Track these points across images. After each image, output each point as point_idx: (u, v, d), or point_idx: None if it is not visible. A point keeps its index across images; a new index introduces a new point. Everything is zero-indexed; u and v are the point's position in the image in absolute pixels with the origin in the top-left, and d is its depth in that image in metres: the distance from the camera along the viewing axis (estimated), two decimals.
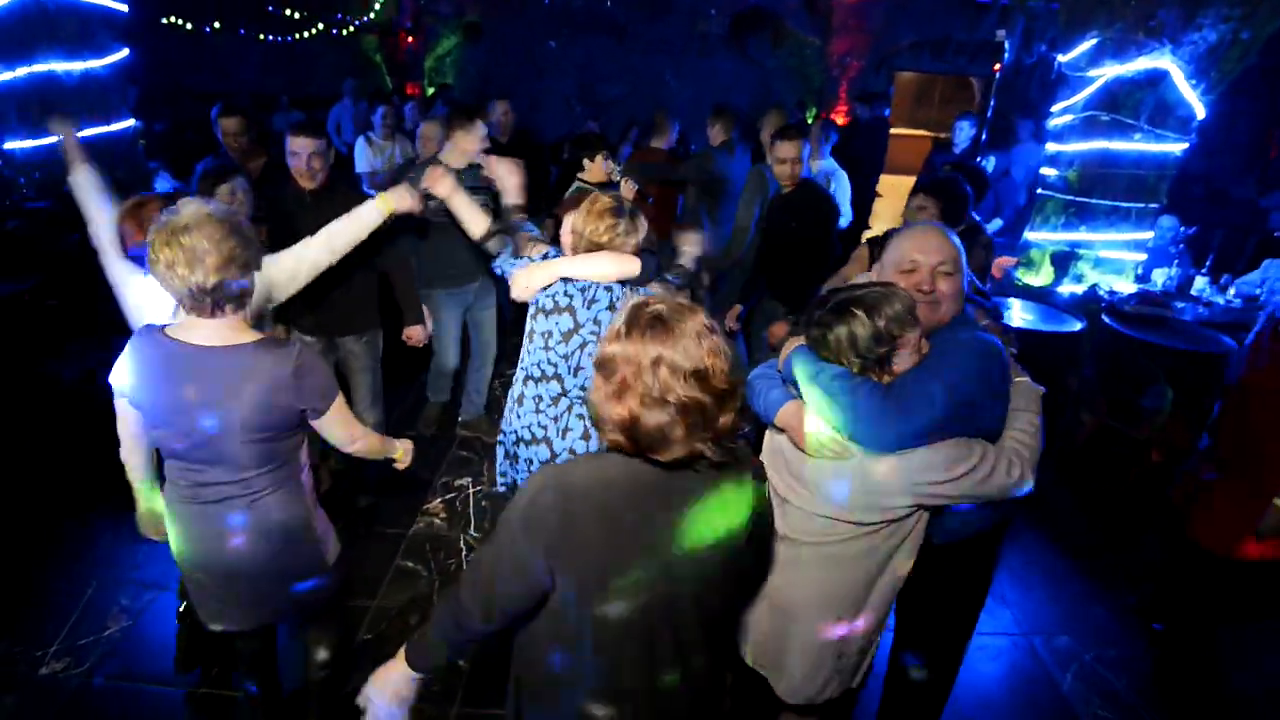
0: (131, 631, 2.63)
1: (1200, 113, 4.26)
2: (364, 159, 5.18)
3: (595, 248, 2.09)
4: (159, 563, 2.95)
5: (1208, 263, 4.67)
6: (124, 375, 1.63)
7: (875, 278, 1.72)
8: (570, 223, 2.17)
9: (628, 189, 3.48)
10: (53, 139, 4.57)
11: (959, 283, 1.66)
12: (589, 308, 2.09)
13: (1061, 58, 4.57)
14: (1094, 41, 4.32)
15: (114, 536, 3.01)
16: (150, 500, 1.89)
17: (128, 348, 1.64)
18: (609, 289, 2.11)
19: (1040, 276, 4.82)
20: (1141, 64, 4.19)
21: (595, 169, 3.48)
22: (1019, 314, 4.05)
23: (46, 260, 4.05)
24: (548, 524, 1.16)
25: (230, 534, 1.70)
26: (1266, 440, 2.26)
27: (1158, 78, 4.19)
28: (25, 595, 2.76)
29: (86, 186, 2.26)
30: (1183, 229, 4.72)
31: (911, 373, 1.52)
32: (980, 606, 2.01)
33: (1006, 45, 6.19)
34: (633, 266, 2.07)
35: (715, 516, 1.22)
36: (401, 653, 1.33)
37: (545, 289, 2.12)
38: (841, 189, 4.86)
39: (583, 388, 2.12)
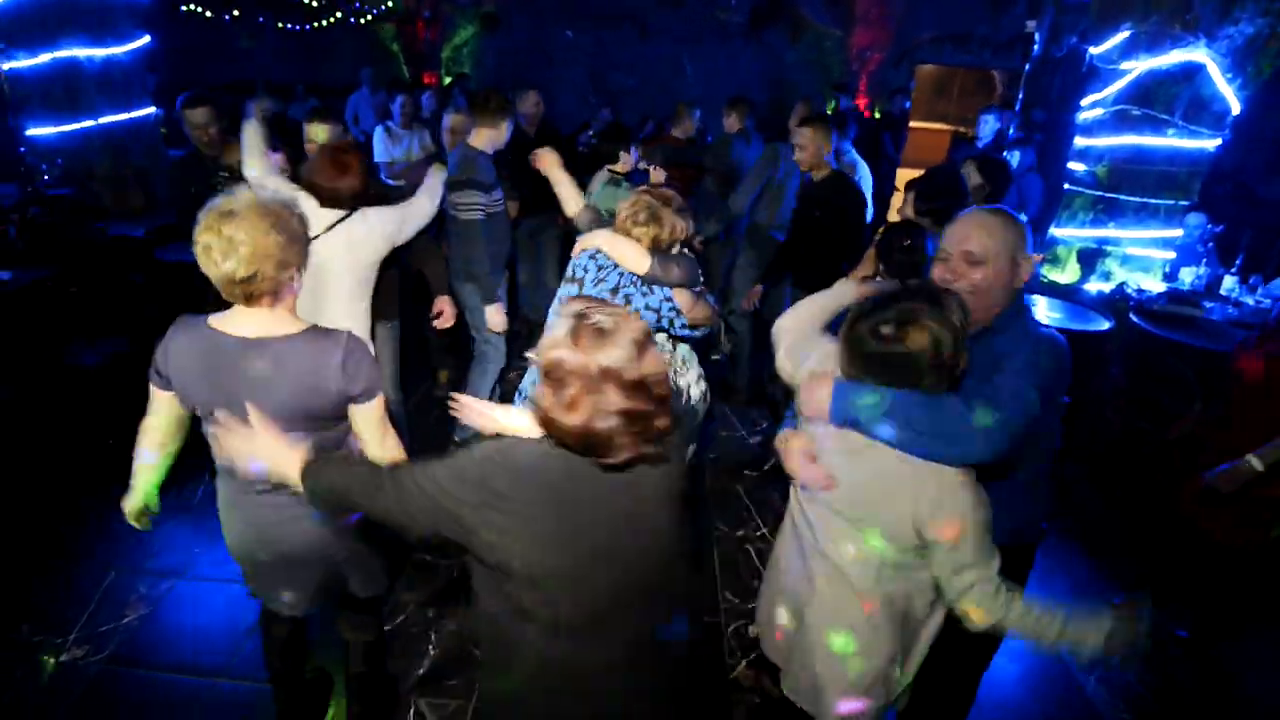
0: (149, 620, 2.64)
1: (1236, 108, 4.15)
2: (382, 148, 5.15)
3: (622, 228, 2.22)
4: (176, 552, 2.96)
5: (1237, 262, 4.56)
6: (166, 368, 1.59)
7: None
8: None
9: (657, 175, 3.52)
10: (77, 125, 4.62)
11: (992, 273, 1.57)
12: (596, 287, 2.18)
13: (1093, 50, 4.47)
14: (1127, 34, 4.22)
15: (133, 525, 3.02)
16: (149, 497, 1.84)
17: (168, 340, 1.60)
18: (621, 273, 2.19)
19: (1066, 274, 4.74)
20: (1176, 57, 4.08)
21: (625, 159, 3.56)
22: (1045, 312, 3.98)
23: (68, 248, 4.07)
24: (486, 491, 1.19)
25: (286, 521, 1.71)
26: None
27: (1193, 71, 4.09)
28: (47, 582, 2.77)
29: (255, 136, 2.69)
30: (1210, 227, 4.61)
31: (998, 376, 1.45)
32: None
33: (1036, 37, 6.05)
34: (634, 264, 2.16)
35: (651, 505, 1.29)
36: (302, 464, 1.38)
37: (577, 257, 2.29)
38: (864, 183, 4.80)
39: None
